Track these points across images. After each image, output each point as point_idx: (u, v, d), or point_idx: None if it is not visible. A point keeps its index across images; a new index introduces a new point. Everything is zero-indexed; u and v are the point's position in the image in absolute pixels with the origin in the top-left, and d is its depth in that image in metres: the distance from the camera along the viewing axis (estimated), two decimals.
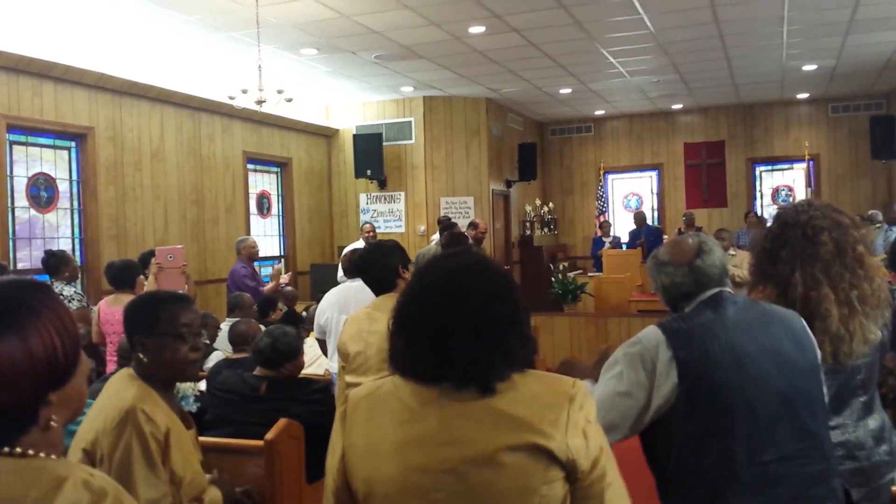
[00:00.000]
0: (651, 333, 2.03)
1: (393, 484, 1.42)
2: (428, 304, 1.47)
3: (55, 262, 5.52)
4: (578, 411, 1.44)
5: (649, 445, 2.04)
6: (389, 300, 3.25)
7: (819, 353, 2.08)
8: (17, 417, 1.13)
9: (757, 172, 14.13)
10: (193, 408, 2.54)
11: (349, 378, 3.25)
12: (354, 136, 11.88)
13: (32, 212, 7.62)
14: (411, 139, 11.97)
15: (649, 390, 1.97)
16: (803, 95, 13.14)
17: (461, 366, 1.41)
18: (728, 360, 1.94)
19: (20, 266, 7.42)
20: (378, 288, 3.40)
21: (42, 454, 1.14)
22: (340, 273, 6.30)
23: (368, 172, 11.63)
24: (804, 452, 1.95)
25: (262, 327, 4.69)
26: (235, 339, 4.78)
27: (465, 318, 1.43)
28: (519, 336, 1.47)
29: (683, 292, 2.09)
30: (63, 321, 1.19)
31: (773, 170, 14.08)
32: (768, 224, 2.53)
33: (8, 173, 7.26)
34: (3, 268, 4.01)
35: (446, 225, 8.61)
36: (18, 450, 1.12)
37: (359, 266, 3.52)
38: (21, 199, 7.49)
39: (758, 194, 14.12)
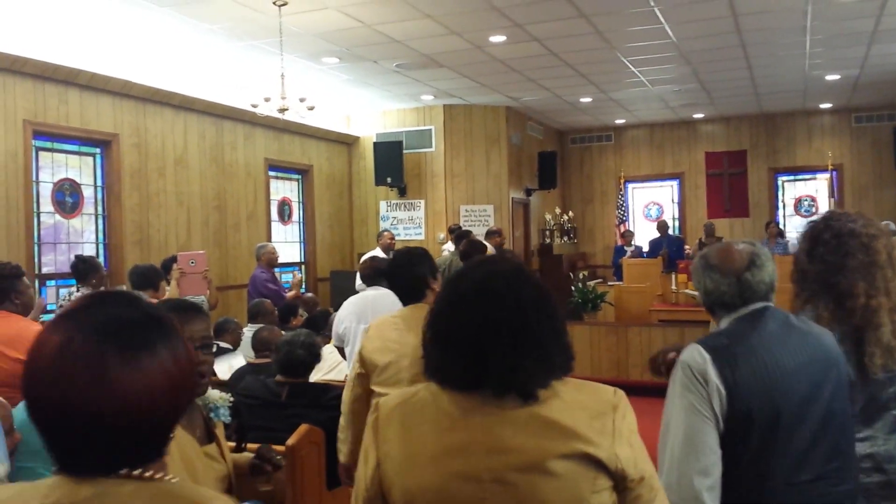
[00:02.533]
0: (695, 354, 1.96)
1: (437, 493, 1.39)
2: (463, 311, 1.45)
3: (84, 268, 5.57)
4: (622, 420, 1.44)
5: None
6: (417, 311, 3.19)
7: (848, 369, 2.05)
8: (167, 435, 1.07)
9: (779, 182, 14.04)
10: (227, 419, 2.47)
11: (379, 389, 3.14)
12: (375, 143, 11.94)
13: (57, 217, 7.72)
14: (431, 147, 12.00)
15: (710, 409, 1.91)
16: (826, 105, 13.05)
17: (499, 373, 1.39)
18: (773, 382, 1.91)
19: (45, 271, 7.52)
20: (405, 297, 3.31)
21: (158, 475, 1.08)
22: (359, 281, 6.32)
23: (388, 180, 11.67)
24: (835, 472, 1.93)
25: (284, 334, 4.73)
26: (258, 345, 4.82)
27: (501, 324, 1.41)
28: (557, 342, 1.46)
29: (725, 302, 2.05)
30: (184, 341, 1.13)
31: (795, 180, 13.98)
32: (796, 235, 2.50)
33: (34, 179, 7.36)
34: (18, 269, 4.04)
35: (461, 233, 8.61)
36: (138, 472, 1.06)
37: (387, 272, 3.43)
38: (46, 205, 7.59)
39: (780, 204, 14.02)
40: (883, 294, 2.20)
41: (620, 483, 1.40)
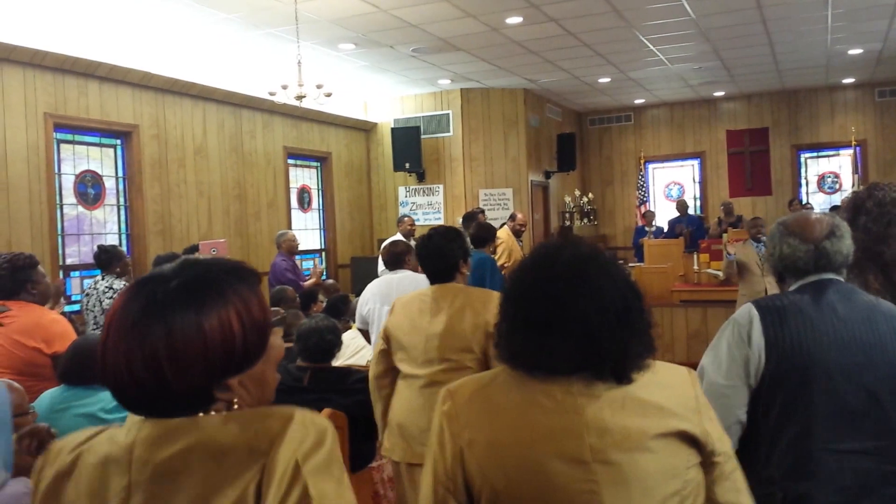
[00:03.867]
0: (745, 311, 2.03)
1: (539, 476, 1.38)
2: (562, 296, 1.42)
3: (107, 258, 5.65)
4: (702, 396, 1.48)
5: None
6: (445, 290, 3.22)
7: None
8: (192, 398, 1.15)
9: (802, 159, 13.86)
10: None
11: (408, 370, 3.19)
12: (393, 129, 11.93)
13: (80, 208, 7.79)
14: (449, 132, 11.97)
15: (745, 366, 1.97)
16: (849, 80, 12.85)
17: (609, 356, 1.39)
18: (817, 345, 1.91)
19: (68, 262, 7.60)
20: (436, 277, 3.30)
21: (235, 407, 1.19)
22: (381, 266, 6.33)
23: (407, 165, 11.67)
24: (885, 450, 1.90)
25: (304, 318, 4.74)
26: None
27: (606, 306, 1.40)
28: (648, 322, 1.46)
29: (799, 268, 2.04)
30: (249, 308, 1.19)
31: (818, 156, 13.80)
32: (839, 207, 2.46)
33: (56, 171, 7.43)
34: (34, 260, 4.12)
35: (469, 214, 8.63)
36: (216, 407, 1.17)
37: (420, 250, 3.39)
38: (69, 197, 7.66)
39: (803, 181, 13.85)
40: None
41: (707, 458, 1.43)
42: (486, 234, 6.75)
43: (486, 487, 1.41)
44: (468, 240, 7.25)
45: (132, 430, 1.16)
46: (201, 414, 1.15)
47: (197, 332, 1.13)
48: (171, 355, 1.12)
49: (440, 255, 3.28)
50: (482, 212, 9.41)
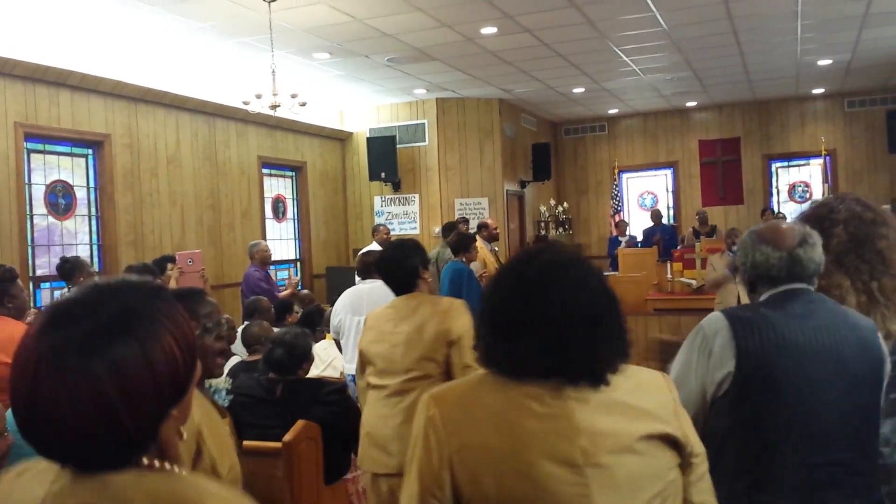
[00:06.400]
0: (713, 319, 2.01)
1: (532, 480, 1.38)
2: (535, 298, 1.45)
3: (69, 268, 5.58)
4: (679, 400, 1.53)
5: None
6: (410, 300, 3.27)
7: (889, 366, 2.00)
8: (141, 438, 1.04)
9: (773, 169, 14.04)
10: (226, 402, 2.52)
11: (374, 380, 3.23)
12: (368, 139, 11.92)
13: (51, 219, 7.69)
14: (425, 141, 11.98)
15: (703, 377, 1.97)
16: (819, 90, 13.05)
17: (579, 359, 1.41)
18: (789, 357, 1.91)
19: (38, 273, 7.50)
20: (398, 288, 3.37)
21: (158, 463, 1.08)
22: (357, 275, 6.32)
23: (382, 175, 11.65)
24: (854, 461, 1.91)
25: (275, 329, 4.71)
26: (249, 340, 4.81)
27: (578, 311, 1.43)
28: (621, 328, 1.49)
29: (772, 276, 2.03)
30: (181, 328, 1.09)
31: (789, 166, 13.98)
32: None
33: (26, 181, 7.33)
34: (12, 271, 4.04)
35: (449, 224, 8.70)
36: (141, 461, 1.06)
37: (379, 265, 3.48)
38: (39, 207, 7.56)
39: (774, 191, 14.03)
40: (841, 274, 2.17)
41: (686, 459, 1.48)
42: (460, 244, 6.87)
43: (478, 493, 1.41)
44: (447, 250, 7.32)
45: (49, 480, 1.06)
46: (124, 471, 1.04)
47: (145, 364, 1.02)
48: (122, 393, 1.00)
49: (397, 265, 3.35)
50: (465, 221, 9.43)
